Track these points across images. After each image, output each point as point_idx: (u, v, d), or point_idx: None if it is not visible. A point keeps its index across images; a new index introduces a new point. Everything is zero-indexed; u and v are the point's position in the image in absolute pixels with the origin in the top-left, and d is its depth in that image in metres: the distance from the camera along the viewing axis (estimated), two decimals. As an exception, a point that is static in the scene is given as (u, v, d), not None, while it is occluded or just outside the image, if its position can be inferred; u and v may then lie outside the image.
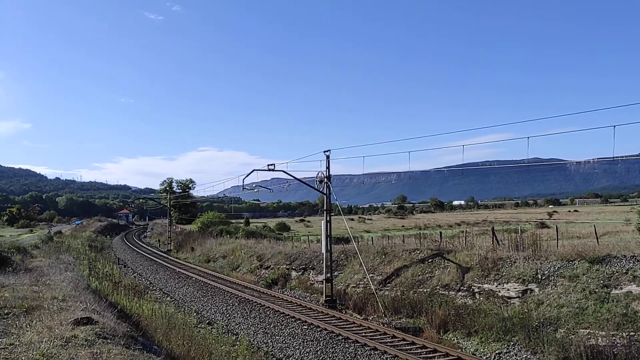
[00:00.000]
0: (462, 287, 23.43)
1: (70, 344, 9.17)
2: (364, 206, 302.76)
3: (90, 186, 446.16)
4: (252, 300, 28.56)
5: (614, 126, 17.67)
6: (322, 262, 29.59)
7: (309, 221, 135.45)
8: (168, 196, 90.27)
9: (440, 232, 36.06)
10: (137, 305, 22.97)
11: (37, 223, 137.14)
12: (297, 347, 19.43)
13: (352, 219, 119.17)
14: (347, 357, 18.20)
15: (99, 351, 8.79)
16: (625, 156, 22.79)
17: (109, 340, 9.82)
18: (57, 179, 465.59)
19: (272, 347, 19.72)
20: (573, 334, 17.30)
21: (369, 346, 18.89)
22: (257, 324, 23.20)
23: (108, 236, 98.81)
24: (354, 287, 29.07)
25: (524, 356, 17.77)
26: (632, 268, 18.46)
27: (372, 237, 43.01)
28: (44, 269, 24.19)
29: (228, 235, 61.09)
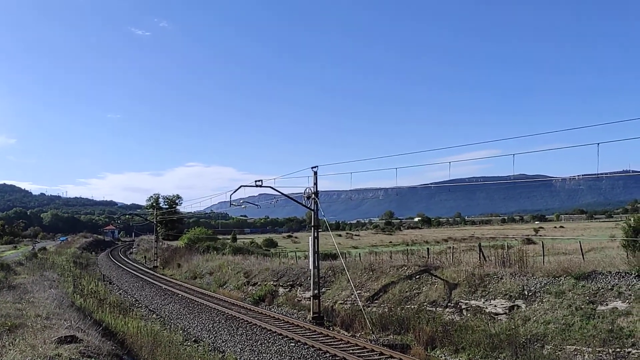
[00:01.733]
0: (449, 304, 23.45)
1: (53, 363, 9.04)
2: (352, 222, 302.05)
3: (75, 202, 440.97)
4: (239, 317, 28.35)
5: (598, 144, 17.94)
6: (310, 279, 29.49)
7: (296, 237, 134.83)
8: (154, 212, 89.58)
9: (428, 248, 36.11)
10: (123, 322, 22.67)
11: (22, 239, 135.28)
12: (284, 365, 19.28)
13: (340, 235, 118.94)
14: (335, 374, 18.10)
15: (83, 370, 8.67)
16: (610, 173, 23.12)
17: (93, 359, 9.69)
18: (42, 194, 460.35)
19: (259, 365, 19.55)
20: (560, 350, 17.38)
21: (356, 363, 18.81)
22: (244, 342, 23.01)
23: (93, 252, 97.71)
24: (341, 303, 28.98)
25: (511, 373, 17.80)
26: (617, 284, 18.64)
27: (359, 253, 42.89)
28: (28, 286, 23.87)
29: (215, 252, 60.59)
